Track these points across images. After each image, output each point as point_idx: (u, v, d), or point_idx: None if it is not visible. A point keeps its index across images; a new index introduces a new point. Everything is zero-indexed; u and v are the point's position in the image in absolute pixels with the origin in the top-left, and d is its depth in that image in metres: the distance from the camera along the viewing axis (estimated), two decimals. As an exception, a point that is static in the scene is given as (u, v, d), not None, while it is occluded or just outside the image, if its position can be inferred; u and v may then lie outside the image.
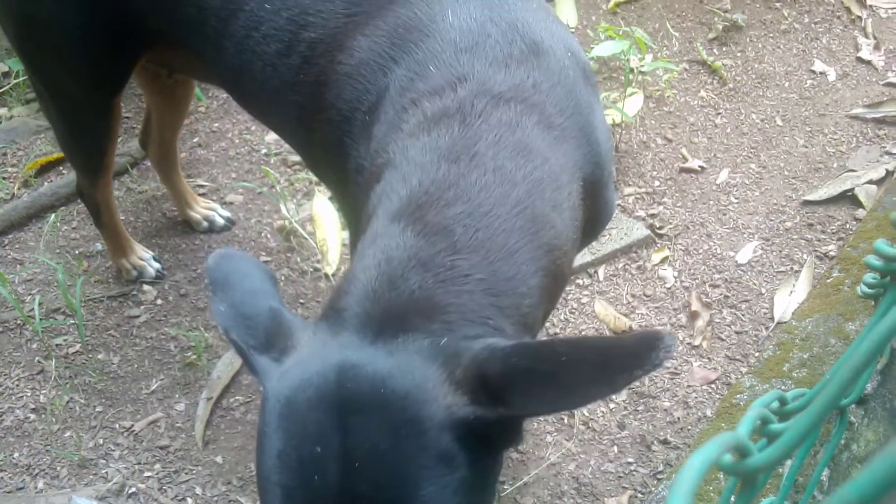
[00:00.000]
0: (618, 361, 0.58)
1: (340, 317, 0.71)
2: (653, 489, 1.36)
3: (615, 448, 1.45)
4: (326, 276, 1.78)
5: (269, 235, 1.93)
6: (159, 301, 1.77)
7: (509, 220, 0.77)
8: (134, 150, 2.06)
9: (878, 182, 1.94)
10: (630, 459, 1.43)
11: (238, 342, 0.69)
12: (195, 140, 2.21)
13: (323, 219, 1.91)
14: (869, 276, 0.93)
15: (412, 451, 0.62)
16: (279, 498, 0.64)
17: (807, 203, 1.94)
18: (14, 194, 2.06)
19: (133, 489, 1.41)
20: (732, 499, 0.68)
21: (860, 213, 1.88)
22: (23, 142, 2.23)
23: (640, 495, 1.38)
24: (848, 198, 1.93)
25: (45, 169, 2.13)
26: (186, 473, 1.44)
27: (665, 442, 1.45)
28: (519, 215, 0.78)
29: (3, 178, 2.11)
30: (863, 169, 2.00)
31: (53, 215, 1.96)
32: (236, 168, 2.13)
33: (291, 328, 0.72)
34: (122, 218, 1.81)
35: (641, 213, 1.93)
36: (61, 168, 2.13)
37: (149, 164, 2.00)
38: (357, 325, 0.70)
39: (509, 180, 0.79)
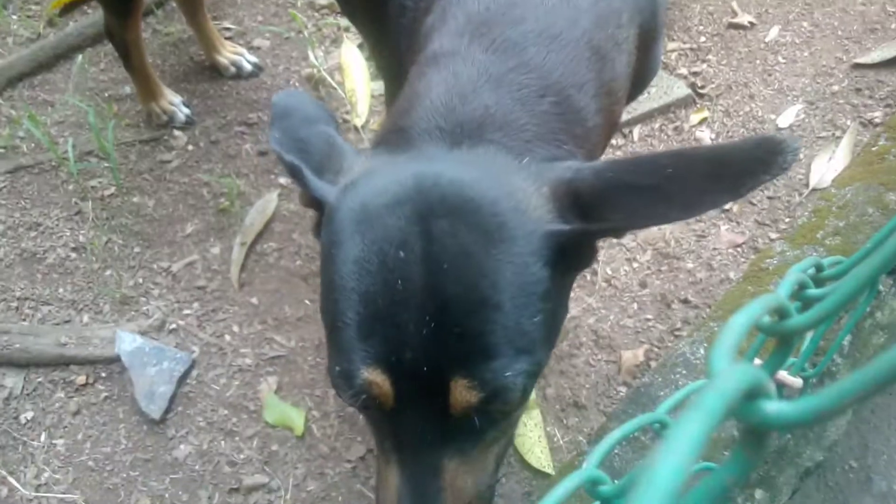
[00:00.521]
0: (738, 167, 0.54)
1: (406, 134, 0.68)
2: (670, 344, 1.41)
3: (635, 305, 1.49)
4: (356, 127, 1.77)
5: (297, 84, 1.90)
6: (190, 147, 1.77)
7: (578, 49, 0.73)
8: (157, -12, 1.99)
9: (938, 45, 1.83)
10: (649, 316, 1.47)
11: (292, 162, 0.67)
12: (219, -21, 2.12)
13: (352, 68, 1.86)
14: (920, 145, 0.90)
15: (503, 254, 0.59)
16: (357, 304, 0.60)
17: (857, 66, 1.84)
18: (40, 34, 2.02)
19: (173, 325, 1.49)
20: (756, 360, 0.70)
21: (914, 78, 1.79)
22: (43, -23, 2.15)
23: (656, 349, 1.42)
24: (902, 62, 1.83)
25: (68, 8, 2.07)
26: (223, 312, 1.50)
27: (685, 301, 1.48)
28: (586, 46, 0.74)
29: (28, 17, 2.06)
30: (923, 30, 1.89)
31: (81, 56, 1.93)
32: (263, 11, 2.06)
33: (345, 153, 0.70)
34: (150, 61, 1.77)
35: (683, 71, 1.86)
36: (86, 8, 2.06)
37: (174, 5, 1.93)
38: (429, 138, 0.66)
39: (575, 6, 0.75)
